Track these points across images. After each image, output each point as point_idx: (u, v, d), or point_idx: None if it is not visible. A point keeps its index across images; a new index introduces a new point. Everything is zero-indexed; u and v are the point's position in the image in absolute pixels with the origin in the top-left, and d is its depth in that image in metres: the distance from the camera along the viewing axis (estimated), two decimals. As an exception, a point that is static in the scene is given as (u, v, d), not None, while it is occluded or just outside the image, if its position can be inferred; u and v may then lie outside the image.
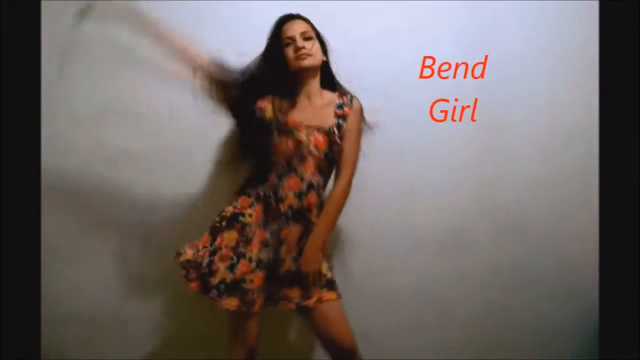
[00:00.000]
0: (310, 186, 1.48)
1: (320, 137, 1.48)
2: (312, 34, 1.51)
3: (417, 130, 1.86)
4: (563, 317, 1.90)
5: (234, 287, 1.41)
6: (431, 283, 1.87)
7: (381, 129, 1.84)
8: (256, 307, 1.42)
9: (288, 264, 1.46)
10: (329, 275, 1.49)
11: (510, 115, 1.88)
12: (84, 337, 1.83)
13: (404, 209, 1.86)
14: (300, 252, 1.46)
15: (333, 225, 1.50)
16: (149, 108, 1.81)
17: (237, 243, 1.44)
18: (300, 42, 1.47)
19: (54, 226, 1.78)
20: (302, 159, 1.47)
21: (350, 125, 1.51)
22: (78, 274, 1.82)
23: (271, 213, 1.47)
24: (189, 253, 1.47)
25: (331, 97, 1.55)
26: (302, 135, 1.47)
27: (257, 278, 1.42)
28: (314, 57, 1.49)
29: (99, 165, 1.80)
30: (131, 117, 1.81)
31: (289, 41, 1.49)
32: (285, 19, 1.53)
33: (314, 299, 1.44)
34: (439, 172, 1.86)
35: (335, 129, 1.49)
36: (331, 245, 1.59)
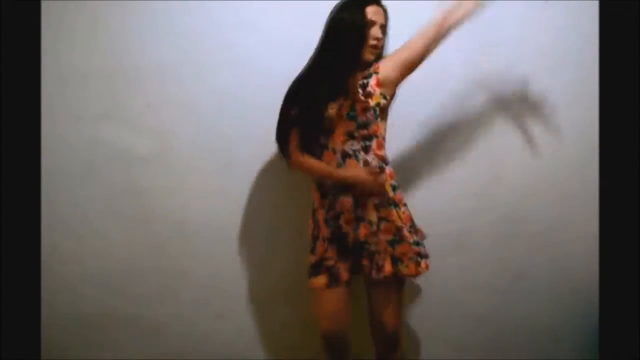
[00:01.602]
0: (346, 155, 1.48)
1: (346, 103, 1.47)
2: (385, 28, 1.51)
3: (417, 130, 1.86)
4: (563, 317, 1.90)
5: (319, 266, 1.50)
6: (431, 283, 1.87)
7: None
8: (342, 277, 1.48)
9: (351, 235, 1.48)
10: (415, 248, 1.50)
11: (511, 115, 1.87)
12: (84, 337, 1.83)
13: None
14: (357, 220, 1.47)
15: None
16: (148, 108, 1.81)
17: (313, 230, 1.54)
18: (379, 34, 1.47)
19: (54, 226, 1.78)
20: (329, 132, 1.49)
21: (382, 72, 1.49)
22: (78, 273, 1.82)
23: (323, 193, 1.51)
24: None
25: None
26: (330, 111, 1.46)
27: (332, 253, 1.49)
28: (378, 52, 1.50)
29: (99, 165, 1.80)
30: (131, 117, 1.81)
31: (371, 24, 1.46)
32: (370, 2, 1.49)
33: (386, 269, 1.45)
34: (439, 171, 1.86)
35: (359, 90, 1.47)
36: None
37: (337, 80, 1.47)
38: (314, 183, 1.55)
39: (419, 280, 1.88)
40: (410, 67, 1.51)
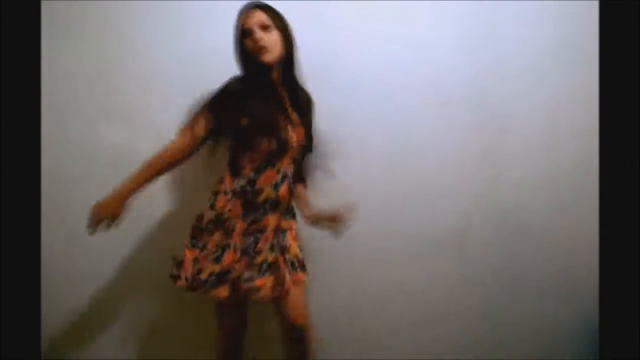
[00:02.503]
0: (285, 176, 1.50)
1: (300, 131, 1.51)
2: (272, 24, 1.45)
3: (417, 131, 1.86)
4: (563, 317, 1.90)
5: (223, 277, 1.43)
6: (431, 283, 1.87)
7: (381, 129, 1.84)
8: (240, 294, 1.44)
9: (265, 253, 1.46)
10: (300, 256, 1.55)
11: (510, 115, 1.87)
12: (84, 337, 1.84)
13: (403, 209, 1.86)
14: (276, 241, 1.49)
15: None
16: (149, 108, 1.81)
17: (221, 238, 1.46)
18: (257, 34, 1.43)
19: (54, 226, 1.78)
20: (282, 154, 1.48)
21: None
22: (78, 273, 1.82)
23: (249, 206, 1.47)
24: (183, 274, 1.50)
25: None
26: (288, 134, 1.46)
27: (240, 265, 1.43)
28: (272, 51, 1.44)
29: (99, 165, 1.80)
30: (131, 117, 1.81)
31: (247, 33, 1.45)
32: (245, 10, 1.48)
33: (288, 285, 1.46)
34: (439, 171, 1.86)
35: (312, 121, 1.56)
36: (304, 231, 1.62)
37: (265, 90, 1.48)
38: (235, 191, 1.47)
39: (419, 280, 1.88)
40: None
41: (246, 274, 1.43)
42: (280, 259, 1.48)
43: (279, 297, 1.46)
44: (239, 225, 1.46)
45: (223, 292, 1.43)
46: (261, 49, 1.43)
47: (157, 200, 1.82)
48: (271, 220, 1.48)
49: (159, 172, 1.49)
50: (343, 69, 1.83)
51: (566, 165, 1.89)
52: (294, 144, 1.48)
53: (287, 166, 1.50)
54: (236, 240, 1.44)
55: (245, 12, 1.48)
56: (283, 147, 1.46)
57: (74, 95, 1.80)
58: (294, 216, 1.59)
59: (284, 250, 1.51)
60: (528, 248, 1.89)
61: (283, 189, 1.50)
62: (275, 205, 1.49)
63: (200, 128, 1.46)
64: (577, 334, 1.91)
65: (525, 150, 1.88)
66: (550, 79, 1.87)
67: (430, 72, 1.86)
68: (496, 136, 1.87)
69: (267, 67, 1.46)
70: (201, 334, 1.85)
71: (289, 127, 1.47)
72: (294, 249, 1.54)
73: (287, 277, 1.47)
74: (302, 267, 1.55)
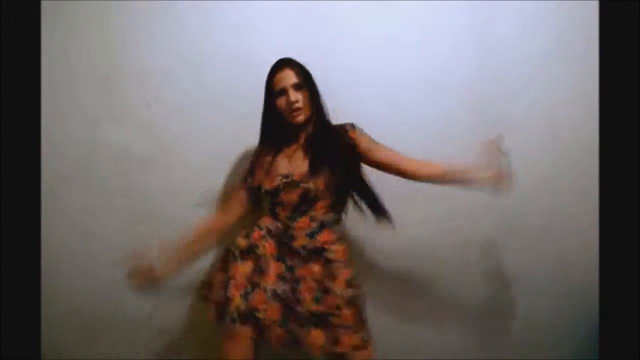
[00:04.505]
0: (323, 225, 1.47)
1: (322, 178, 1.45)
2: (302, 83, 1.47)
3: (417, 130, 1.86)
4: (563, 317, 1.90)
5: (248, 316, 1.39)
6: (430, 283, 1.87)
7: (381, 129, 1.84)
8: (273, 340, 1.38)
9: (308, 303, 1.40)
10: (363, 335, 1.42)
11: (511, 114, 1.87)
12: (84, 337, 1.84)
13: (403, 209, 1.86)
14: (322, 292, 1.41)
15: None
16: (149, 108, 1.81)
17: (252, 273, 1.44)
18: (292, 96, 1.44)
19: (54, 225, 1.78)
20: (313, 203, 1.46)
21: (364, 143, 1.52)
22: (78, 273, 1.82)
23: (285, 249, 1.45)
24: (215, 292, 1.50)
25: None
26: (310, 184, 1.43)
27: (272, 309, 1.39)
28: (305, 112, 1.47)
29: (98, 164, 1.80)
30: (131, 117, 1.81)
31: (281, 93, 1.47)
32: (276, 68, 1.49)
33: (346, 344, 1.37)
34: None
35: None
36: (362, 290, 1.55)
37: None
38: (270, 230, 1.48)
39: (419, 280, 1.88)
40: (378, 166, 1.54)
41: (286, 323, 1.38)
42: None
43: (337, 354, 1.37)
44: (273, 267, 1.43)
45: (247, 332, 1.38)
46: (296, 110, 1.45)
47: (157, 200, 1.82)
48: (314, 271, 1.42)
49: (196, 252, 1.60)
50: (342, 68, 1.83)
51: (566, 165, 1.89)
52: (317, 192, 1.44)
53: (324, 214, 1.47)
54: (269, 281, 1.41)
55: (277, 72, 1.48)
56: (305, 198, 1.44)
57: (74, 95, 1.81)
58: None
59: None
60: (527, 247, 1.89)
61: (323, 238, 1.45)
62: (314, 254, 1.44)
63: (239, 204, 1.58)
64: (576, 333, 1.91)
65: (525, 150, 1.88)
66: (550, 78, 1.87)
67: (430, 72, 1.86)
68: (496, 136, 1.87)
69: (298, 127, 1.49)
70: (202, 334, 1.85)
71: (308, 179, 1.44)
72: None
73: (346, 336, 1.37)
74: (365, 339, 1.42)
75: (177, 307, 1.85)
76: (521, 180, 1.88)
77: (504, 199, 1.88)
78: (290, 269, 1.43)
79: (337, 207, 1.53)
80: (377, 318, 1.87)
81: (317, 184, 1.44)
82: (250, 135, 1.79)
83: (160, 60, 1.81)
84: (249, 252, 1.47)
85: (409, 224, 1.86)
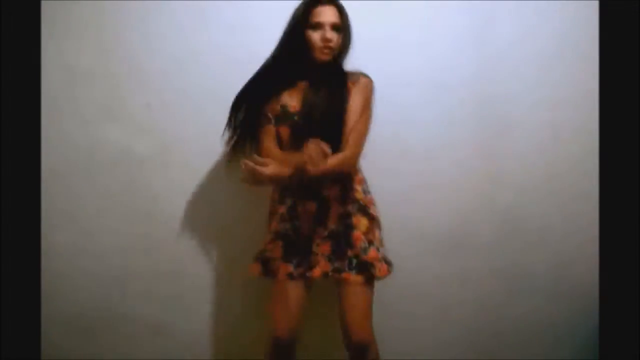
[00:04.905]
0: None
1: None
2: (340, 25, 1.45)
3: (417, 131, 1.86)
4: (563, 317, 1.90)
5: (259, 256, 1.52)
6: (430, 283, 1.87)
7: (381, 129, 1.84)
8: (280, 275, 1.46)
9: (304, 232, 1.47)
10: (363, 256, 1.44)
11: (511, 114, 1.88)
12: (84, 337, 1.83)
13: (403, 208, 1.86)
14: (316, 223, 1.47)
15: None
16: (149, 108, 1.81)
17: (270, 220, 1.57)
18: (328, 33, 1.42)
19: (54, 225, 1.78)
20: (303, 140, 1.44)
21: (352, 98, 1.45)
22: (78, 273, 1.82)
23: (286, 190, 1.51)
24: None
25: None
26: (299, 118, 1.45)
27: (276, 247, 1.48)
28: (333, 53, 1.44)
29: (98, 164, 1.80)
30: (131, 117, 1.81)
31: (317, 26, 1.42)
32: (316, 1, 1.44)
33: (343, 275, 1.43)
34: (439, 171, 1.86)
35: None
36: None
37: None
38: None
39: (418, 280, 1.88)
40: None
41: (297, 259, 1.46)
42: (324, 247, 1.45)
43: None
44: (278, 209, 1.53)
45: (254, 269, 1.51)
46: (328, 49, 1.42)
47: (157, 200, 1.82)
48: (308, 206, 1.47)
49: None
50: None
51: (566, 165, 1.89)
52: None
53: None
54: (273, 223, 1.53)
55: (319, 4, 1.44)
56: (295, 133, 1.45)
57: (73, 95, 1.81)
58: (365, 213, 1.51)
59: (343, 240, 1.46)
60: (527, 248, 1.89)
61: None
62: (309, 191, 1.47)
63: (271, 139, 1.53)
64: (576, 333, 1.91)
65: (525, 150, 1.89)
66: (551, 78, 1.88)
67: (430, 72, 1.86)
68: (496, 136, 1.87)
69: (319, 64, 1.45)
70: (200, 334, 1.85)
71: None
72: (358, 247, 1.45)
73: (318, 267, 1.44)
74: (363, 268, 1.44)
75: (177, 307, 1.85)
76: (521, 181, 1.89)
77: (504, 199, 1.89)
78: (290, 208, 1.49)
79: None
80: (375, 317, 1.88)
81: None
82: (250, 135, 1.80)
83: (160, 61, 1.81)
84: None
85: (409, 224, 1.87)
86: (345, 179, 1.49)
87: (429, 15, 1.86)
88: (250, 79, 1.54)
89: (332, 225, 1.47)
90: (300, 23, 1.44)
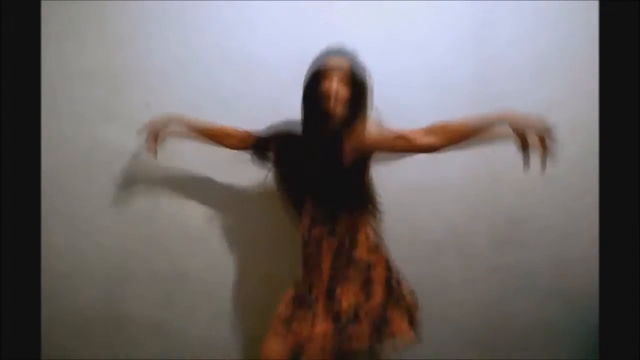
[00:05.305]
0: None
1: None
2: (351, 79, 1.41)
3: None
4: (563, 317, 1.90)
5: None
6: (431, 283, 1.87)
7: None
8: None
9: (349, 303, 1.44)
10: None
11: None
12: (84, 337, 1.83)
13: (403, 209, 1.86)
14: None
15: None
16: (149, 108, 1.80)
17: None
18: (334, 84, 1.38)
19: (54, 225, 1.78)
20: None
21: (372, 139, 1.41)
22: (78, 273, 1.82)
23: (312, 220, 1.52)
24: None
25: None
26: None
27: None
28: (340, 106, 1.40)
29: (98, 164, 1.80)
30: (131, 117, 1.81)
31: (325, 77, 1.40)
32: (332, 53, 1.44)
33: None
34: (439, 172, 1.86)
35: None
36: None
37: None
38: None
39: (419, 281, 1.88)
40: (397, 151, 1.46)
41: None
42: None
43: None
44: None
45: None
46: (330, 99, 1.38)
47: (157, 200, 1.82)
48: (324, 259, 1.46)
49: (212, 136, 1.64)
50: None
51: (566, 165, 1.89)
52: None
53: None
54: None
55: (331, 56, 1.43)
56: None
57: (73, 95, 1.80)
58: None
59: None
60: (527, 248, 1.89)
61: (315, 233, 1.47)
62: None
63: (240, 138, 1.60)
64: (576, 334, 1.91)
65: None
66: (550, 78, 1.87)
67: (430, 72, 1.86)
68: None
69: (328, 116, 1.41)
70: (200, 334, 1.85)
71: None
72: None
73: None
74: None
75: (177, 307, 1.85)
76: (521, 181, 1.89)
77: (505, 199, 1.89)
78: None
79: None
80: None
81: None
82: (250, 135, 1.80)
83: (160, 61, 1.80)
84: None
85: (409, 223, 1.87)
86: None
87: (429, 15, 1.86)
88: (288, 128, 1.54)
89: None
90: (313, 74, 1.43)
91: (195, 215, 1.82)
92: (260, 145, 1.58)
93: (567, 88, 1.88)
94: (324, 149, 1.41)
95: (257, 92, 1.80)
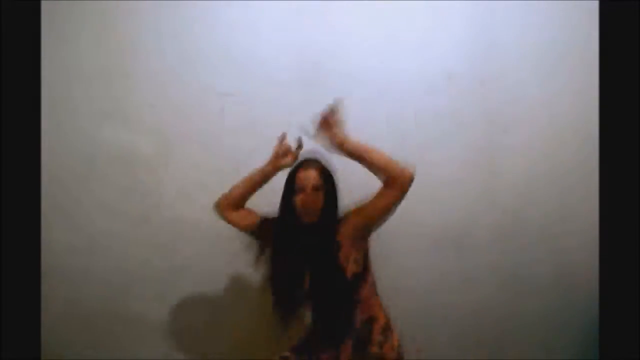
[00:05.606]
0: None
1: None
2: (322, 186, 1.45)
3: (417, 131, 1.86)
4: (563, 315, 1.91)
5: None
6: (431, 282, 1.87)
7: (381, 130, 1.84)
8: None
9: None
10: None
11: (511, 115, 1.88)
12: (84, 337, 1.83)
13: (404, 208, 1.86)
14: None
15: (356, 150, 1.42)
16: (149, 108, 1.81)
17: None
18: (309, 196, 1.44)
19: (55, 225, 1.78)
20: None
21: (354, 217, 1.46)
22: (78, 273, 1.82)
23: (299, 347, 1.52)
24: None
25: None
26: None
27: None
28: (315, 214, 1.45)
29: (99, 164, 1.80)
30: (131, 117, 1.81)
31: (299, 190, 1.45)
32: (301, 166, 1.48)
33: None
34: (439, 172, 1.86)
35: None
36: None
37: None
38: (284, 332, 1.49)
39: (419, 279, 1.88)
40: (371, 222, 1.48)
41: None
42: None
43: None
44: None
45: None
46: (307, 212, 1.44)
47: (158, 201, 1.82)
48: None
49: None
50: (342, 68, 1.83)
51: (566, 165, 1.89)
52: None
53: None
54: None
55: (301, 170, 1.47)
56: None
57: (74, 95, 1.80)
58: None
59: None
60: (528, 247, 1.89)
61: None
62: (324, 344, 1.46)
63: (251, 222, 1.55)
64: (576, 332, 1.91)
65: (526, 150, 1.89)
66: (550, 78, 1.88)
67: (430, 72, 1.86)
68: (496, 137, 1.87)
69: (304, 226, 1.46)
70: (202, 334, 1.85)
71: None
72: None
73: None
74: None
75: (177, 307, 1.85)
76: (521, 181, 1.89)
77: (504, 199, 1.89)
78: None
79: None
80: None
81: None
82: (252, 135, 1.80)
83: (163, 61, 1.80)
84: None
85: (410, 223, 1.87)
86: (363, 331, 1.47)
87: (429, 15, 1.86)
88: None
89: None
90: (287, 191, 1.49)
91: (197, 215, 1.82)
92: (263, 228, 1.56)
93: (567, 88, 1.88)
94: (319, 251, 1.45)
95: (256, 91, 1.80)
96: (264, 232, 1.53)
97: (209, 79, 1.81)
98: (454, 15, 1.87)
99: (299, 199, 1.45)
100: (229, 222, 1.56)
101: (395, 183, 1.40)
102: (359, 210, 1.45)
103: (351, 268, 1.43)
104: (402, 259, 1.87)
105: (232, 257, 1.85)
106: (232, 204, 1.55)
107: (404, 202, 1.85)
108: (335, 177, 1.49)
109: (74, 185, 1.80)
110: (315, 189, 1.45)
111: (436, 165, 1.86)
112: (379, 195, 1.42)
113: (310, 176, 1.45)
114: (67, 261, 1.81)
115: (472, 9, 1.85)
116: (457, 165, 1.87)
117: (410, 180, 1.40)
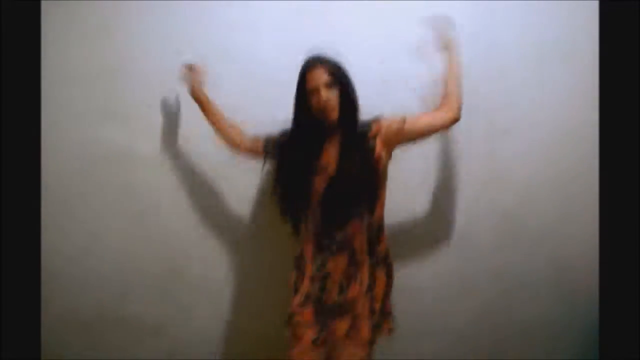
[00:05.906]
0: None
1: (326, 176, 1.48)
2: (334, 81, 1.46)
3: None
4: (563, 317, 1.91)
5: (290, 322, 1.47)
6: (431, 283, 1.87)
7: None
8: (305, 341, 1.43)
9: (333, 296, 1.47)
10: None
11: (510, 115, 1.88)
12: (84, 337, 1.84)
13: (404, 210, 1.86)
14: (345, 281, 1.47)
15: None
16: (149, 108, 1.81)
17: (296, 279, 1.53)
18: (323, 94, 1.44)
19: (54, 225, 1.78)
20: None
21: (389, 127, 1.51)
22: (78, 273, 1.82)
23: (318, 246, 1.49)
24: None
25: None
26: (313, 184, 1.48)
27: (305, 313, 1.46)
28: (336, 110, 1.46)
29: (99, 164, 1.80)
30: (131, 117, 1.81)
31: (312, 92, 1.46)
32: (306, 67, 1.48)
33: (365, 330, 1.45)
34: (439, 173, 1.86)
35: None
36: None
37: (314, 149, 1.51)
38: (310, 232, 1.51)
39: (419, 281, 1.88)
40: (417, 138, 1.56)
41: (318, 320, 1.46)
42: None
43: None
44: (309, 269, 1.49)
45: (285, 333, 1.47)
46: (328, 109, 1.44)
47: (158, 201, 1.82)
48: (339, 261, 1.46)
49: (217, 123, 1.66)
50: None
51: (566, 167, 1.89)
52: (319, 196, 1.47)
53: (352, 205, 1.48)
54: (305, 284, 1.48)
55: (308, 71, 1.47)
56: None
57: (73, 95, 1.80)
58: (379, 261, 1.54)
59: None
60: (528, 249, 1.89)
61: (352, 229, 1.47)
62: (342, 245, 1.47)
63: (258, 147, 1.63)
64: (576, 334, 1.91)
65: (526, 151, 1.89)
66: (550, 79, 1.88)
67: (429, 72, 1.86)
68: (497, 137, 1.87)
69: (331, 125, 1.48)
70: (200, 334, 1.85)
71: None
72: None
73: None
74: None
75: (177, 307, 1.85)
76: (521, 181, 1.89)
77: (505, 200, 1.88)
78: (321, 266, 1.48)
79: (367, 197, 1.53)
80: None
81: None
82: (251, 133, 1.80)
83: (160, 60, 1.80)
84: (297, 260, 1.56)
85: (409, 224, 1.87)
86: (374, 231, 1.52)
87: (429, 15, 1.86)
88: (281, 136, 1.59)
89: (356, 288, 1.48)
90: (300, 93, 1.49)
91: (196, 216, 1.82)
92: (269, 149, 1.60)
93: (567, 88, 1.88)
94: (354, 149, 1.47)
95: (256, 91, 1.80)
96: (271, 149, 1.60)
97: (208, 78, 1.81)
98: (453, 15, 1.86)
99: (314, 100, 1.45)
100: (247, 155, 1.66)
101: (458, 108, 1.53)
102: (405, 121, 1.51)
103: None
104: (402, 260, 1.87)
105: (232, 258, 1.85)
106: (231, 141, 1.64)
107: (403, 204, 1.87)
108: (344, 69, 1.50)
109: (72, 185, 1.80)
110: (328, 86, 1.45)
111: (436, 166, 1.86)
112: (434, 115, 1.54)
113: (319, 75, 1.45)
114: (66, 261, 1.81)
115: (472, 9, 1.85)
116: (457, 168, 1.86)
117: (460, 110, 1.54)
